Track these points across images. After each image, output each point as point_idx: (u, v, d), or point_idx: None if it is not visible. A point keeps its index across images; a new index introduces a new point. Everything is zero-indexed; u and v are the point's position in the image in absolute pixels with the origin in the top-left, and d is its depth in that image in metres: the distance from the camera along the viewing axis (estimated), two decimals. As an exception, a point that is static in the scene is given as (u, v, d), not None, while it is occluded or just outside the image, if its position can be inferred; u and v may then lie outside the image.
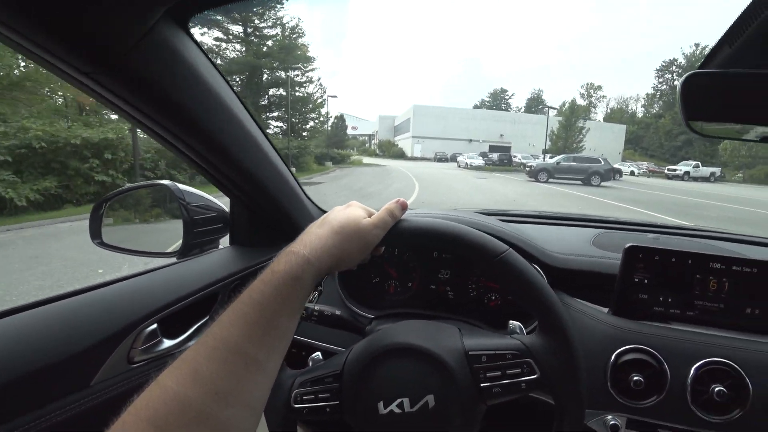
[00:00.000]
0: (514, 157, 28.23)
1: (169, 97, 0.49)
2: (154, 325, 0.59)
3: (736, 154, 29.71)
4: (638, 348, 0.60)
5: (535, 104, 61.94)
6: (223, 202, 0.83)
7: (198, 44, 0.51)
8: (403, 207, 0.46)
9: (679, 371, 0.58)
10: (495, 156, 28.01)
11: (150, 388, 0.29)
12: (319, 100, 20.09)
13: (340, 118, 42.13)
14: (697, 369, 0.57)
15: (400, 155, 43.01)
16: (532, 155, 30.76)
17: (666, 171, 25.38)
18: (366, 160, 30.46)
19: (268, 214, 0.77)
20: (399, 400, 0.39)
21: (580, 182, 15.15)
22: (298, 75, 18.97)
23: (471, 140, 42.97)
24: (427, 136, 43.54)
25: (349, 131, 66.20)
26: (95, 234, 0.79)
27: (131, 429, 0.26)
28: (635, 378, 0.57)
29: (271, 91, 18.41)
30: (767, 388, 0.55)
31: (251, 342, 0.32)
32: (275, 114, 19.47)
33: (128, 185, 0.84)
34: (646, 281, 0.64)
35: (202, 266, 0.73)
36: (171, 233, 0.81)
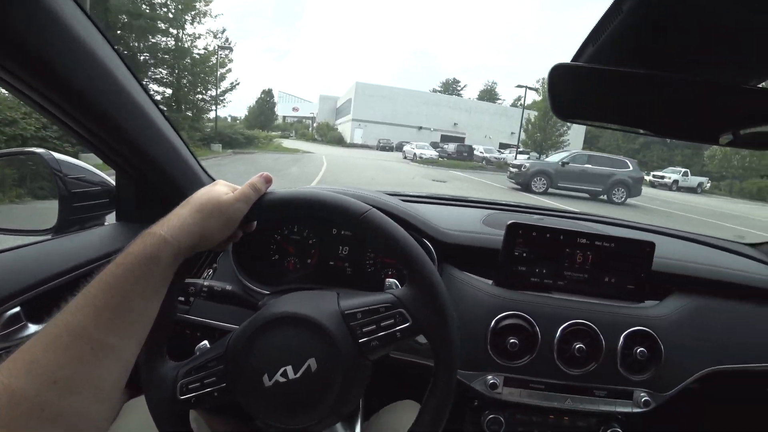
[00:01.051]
0: (475, 149, 25.27)
1: (38, 54, 0.46)
2: (17, 308, 0.55)
3: (726, 164, 27.95)
4: (515, 314, 0.74)
5: (488, 96, 61.18)
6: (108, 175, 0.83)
7: (81, 6, 0.49)
8: (267, 180, 0.48)
9: (548, 333, 0.74)
10: (451, 147, 25.33)
11: None
12: (213, 60, 15.42)
13: (267, 93, 39.57)
14: (562, 330, 0.73)
15: (338, 141, 39.34)
16: (499, 150, 28.15)
17: (650, 178, 22.75)
18: (288, 144, 26.42)
19: (157, 187, 0.77)
20: (282, 369, 0.43)
21: (589, 196, 11.08)
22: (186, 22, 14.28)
23: (421, 128, 39.81)
24: (370, 120, 39.74)
25: (290, 113, 61.83)
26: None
27: None
28: (511, 340, 0.72)
29: (155, 40, 13.54)
30: (615, 344, 0.74)
31: (99, 326, 0.34)
32: (159, 75, 14.56)
33: None
34: (524, 255, 0.79)
35: (79, 244, 0.71)
36: (45, 209, 0.76)
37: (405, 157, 22.75)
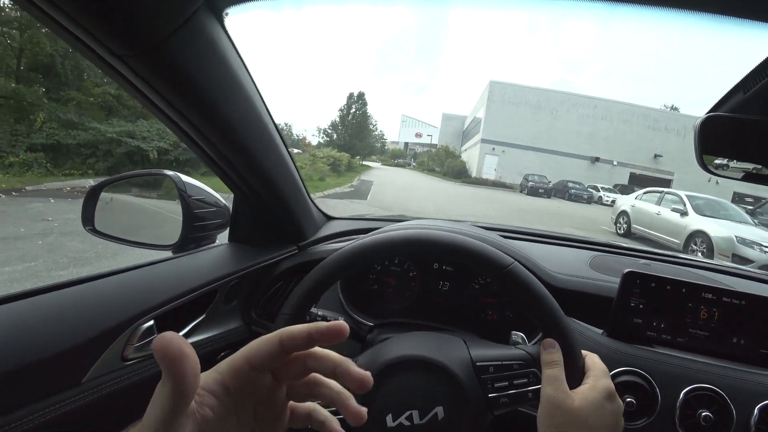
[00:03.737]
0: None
1: (197, 88, 0.62)
2: (151, 322, 0.73)
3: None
4: (632, 371, 0.82)
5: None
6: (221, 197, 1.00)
7: (230, 37, 0.64)
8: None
9: (669, 395, 0.80)
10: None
11: None
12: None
13: (359, 98, 36.81)
14: (686, 393, 0.80)
15: (459, 173, 32.36)
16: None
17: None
18: (376, 178, 22.28)
19: (272, 214, 0.97)
20: (408, 413, 0.53)
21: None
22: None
23: (597, 159, 31.13)
24: (506, 142, 32.08)
25: (412, 138, 61.81)
26: (87, 220, 0.93)
27: None
28: (628, 399, 0.79)
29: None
30: (748, 417, 0.78)
31: None
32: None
33: (128, 172, 1.01)
34: (641, 306, 0.88)
35: (200, 262, 0.90)
36: (168, 225, 0.99)
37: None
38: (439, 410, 0.54)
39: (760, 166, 0.68)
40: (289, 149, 0.94)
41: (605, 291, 0.94)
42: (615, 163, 32.00)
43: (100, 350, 0.66)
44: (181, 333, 0.82)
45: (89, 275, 0.74)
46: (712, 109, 0.67)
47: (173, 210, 0.98)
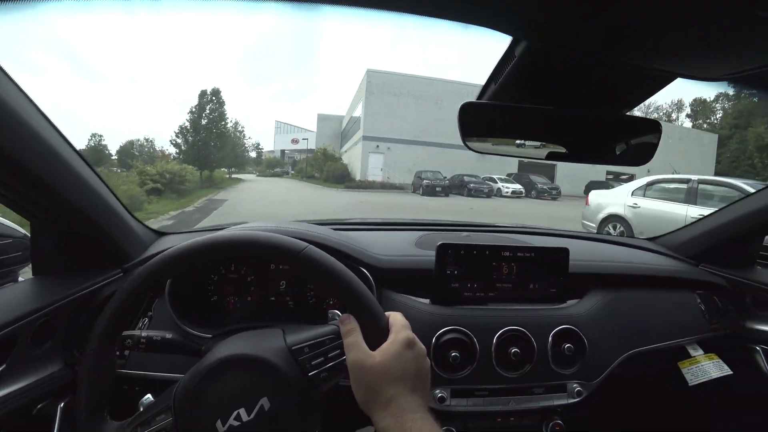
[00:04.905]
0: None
1: None
2: None
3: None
4: (453, 329, 1.05)
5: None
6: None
7: None
8: None
9: (485, 342, 1.04)
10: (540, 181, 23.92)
11: None
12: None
13: (213, 95, 33.87)
14: (498, 338, 1.05)
15: (340, 177, 31.13)
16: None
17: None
18: (238, 194, 21.93)
19: (83, 236, 0.95)
20: (235, 413, 0.58)
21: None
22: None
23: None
24: (390, 138, 31.47)
25: (288, 145, 60.62)
26: None
27: None
28: (453, 354, 1.02)
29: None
30: (545, 344, 1.07)
31: None
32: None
33: None
34: (456, 272, 1.11)
35: None
36: None
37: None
38: (264, 401, 0.61)
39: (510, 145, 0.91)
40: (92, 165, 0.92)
41: (427, 264, 1.16)
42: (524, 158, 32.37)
43: None
44: None
45: None
46: (476, 99, 0.88)
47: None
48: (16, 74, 0.74)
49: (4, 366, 0.80)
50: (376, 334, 0.66)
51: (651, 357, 1.21)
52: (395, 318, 0.70)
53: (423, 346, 0.67)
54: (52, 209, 0.87)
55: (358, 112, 34.07)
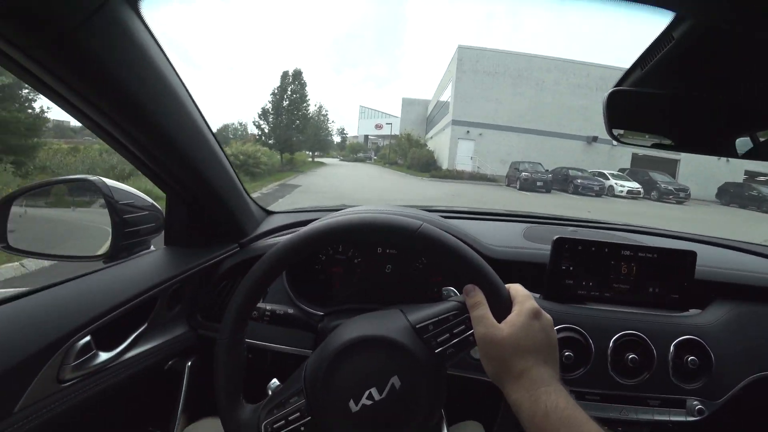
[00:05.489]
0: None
1: (114, 81, 0.65)
2: (87, 338, 0.78)
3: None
4: (568, 327, 1.03)
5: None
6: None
7: (149, 28, 0.67)
8: None
9: (601, 344, 1.01)
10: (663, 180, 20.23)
11: None
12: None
13: (295, 77, 34.29)
14: (614, 341, 1.02)
15: (427, 165, 29.52)
16: None
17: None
18: (315, 179, 21.35)
19: (209, 213, 1.06)
20: (367, 392, 0.63)
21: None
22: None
23: (595, 138, 28.11)
24: (482, 123, 28.99)
25: (372, 131, 62.50)
26: (-1, 236, 0.84)
27: None
28: (566, 353, 1.01)
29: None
30: (666, 353, 1.01)
31: None
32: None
33: (44, 180, 1.04)
34: (571, 268, 1.10)
35: (136, 270, 0.97)
36: (96, 234, 1.05)
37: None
38: (395, 380, 0.65)
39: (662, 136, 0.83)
40: (222, 145, 0.99)
41: (539, 258, 1.17)
42: (615, 143, 32.35)
43: (32, 374, 0.70)
44: (124, 344, 0.88)
45: (13, 293, 0.78)
46: (616, 85, 0.83)
47: (100, 218, 1.04)
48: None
49: (145, 325, 0.96)
50: (500, 306, 0.68)
51: None
52: (516, 289, 0.72)
53: (549, 317, 0.68)
54: (191, 185, 0.99)
55: (447, 95, 31.80)
